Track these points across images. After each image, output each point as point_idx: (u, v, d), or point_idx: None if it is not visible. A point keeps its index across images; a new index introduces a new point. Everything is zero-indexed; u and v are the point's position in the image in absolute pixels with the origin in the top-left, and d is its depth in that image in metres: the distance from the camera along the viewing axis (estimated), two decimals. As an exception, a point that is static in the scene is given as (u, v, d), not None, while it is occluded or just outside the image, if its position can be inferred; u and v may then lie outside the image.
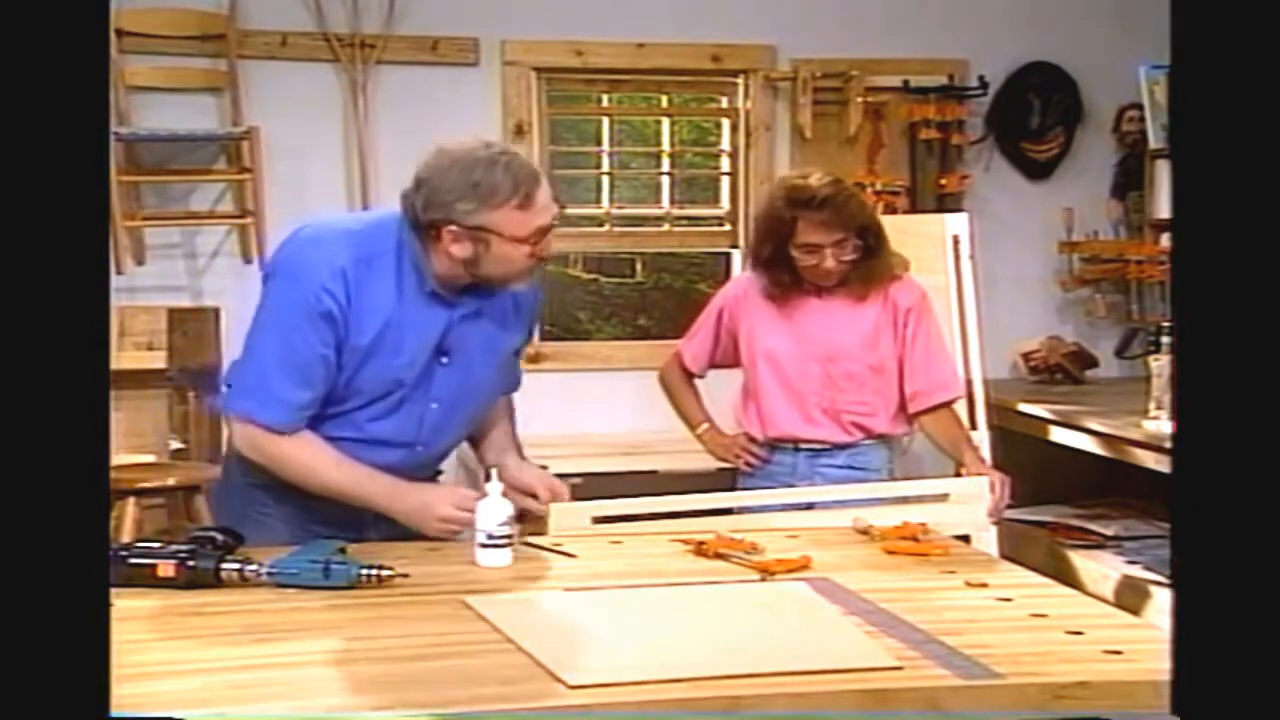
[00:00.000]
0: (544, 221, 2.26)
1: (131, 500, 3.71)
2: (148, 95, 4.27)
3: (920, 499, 2.72)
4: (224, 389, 2.36)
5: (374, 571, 2.03)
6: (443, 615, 1.92)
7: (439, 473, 2.57)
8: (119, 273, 4.21)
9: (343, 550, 2.09)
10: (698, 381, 3.23)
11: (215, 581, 1.99)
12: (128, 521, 3.68)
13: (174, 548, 2.06)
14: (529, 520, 2.43)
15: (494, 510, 2.17)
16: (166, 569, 2.02)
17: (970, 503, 2.70)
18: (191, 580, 2.01)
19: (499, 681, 1.65)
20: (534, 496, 2.43)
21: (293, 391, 2.26)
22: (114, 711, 1.53)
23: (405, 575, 2.05)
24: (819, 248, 2.85)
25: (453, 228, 2.21)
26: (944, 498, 2.75)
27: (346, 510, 2.33)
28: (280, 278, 2.29)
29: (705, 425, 3.19)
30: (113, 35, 4.16)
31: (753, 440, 3.04)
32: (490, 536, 2.16)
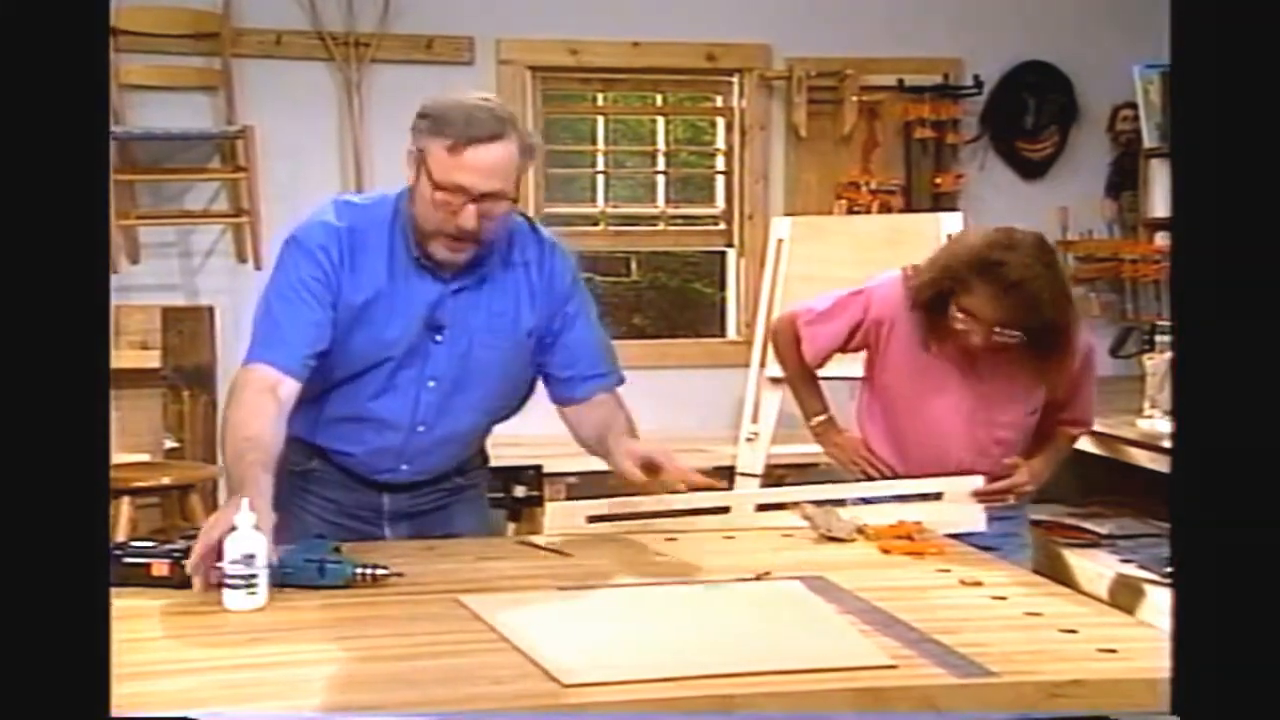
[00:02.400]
0: (465, 180, 2.15)
1: (126, 499, 3.71)
2: (143, 94, 4.27)
3: (914, 498, 2.70)
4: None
5: (369, 571, 2.03)
6: (438, 615, 1.92)
7: (485, 462, 2.52)
8: (114, 271, 4.21)
9: (337, 549, 2.08)
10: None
11: (215, 584, 1.98)
12: (122, 521, 3.68)
13: (168, 547, 2.05)
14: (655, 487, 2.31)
15: (235, 545, 1.91)
16: (161, 568, 2.02)
17: (963, 502, 2.70)
18: (186, 579, 2.00)
19: (494, 681, 1.65)
20: (654, 468, 2.27)
21: (291, 332, 2.22)
22: (114, 712, 1.53)
23: (400, 574, 2.05)
24: (978, 321, 2.54)
25: (410, 146, 2.22)
26: (938, 496, 2.75)
27: (370, 508, 2.36)
28: (286, 246, 2.32)
29: (822, 417, 2.92)
30: (109, 34, 4.15)
31: (883, 461, 2.81)
32: (226, 574, 1.91)
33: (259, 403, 2.17)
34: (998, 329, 2.54)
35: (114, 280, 4.22)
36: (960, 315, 2.56)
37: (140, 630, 1.84)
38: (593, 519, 2.52)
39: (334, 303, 2.25)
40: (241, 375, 2.23)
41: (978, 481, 2.68)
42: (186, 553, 2.02)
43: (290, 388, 2.21)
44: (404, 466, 2.38)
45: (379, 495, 2.40)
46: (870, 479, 2.79)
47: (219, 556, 1.93)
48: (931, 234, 3.98)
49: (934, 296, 2.60)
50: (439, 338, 2.29)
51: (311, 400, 2.32)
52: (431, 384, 2.31)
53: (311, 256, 2.25)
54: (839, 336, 2.81)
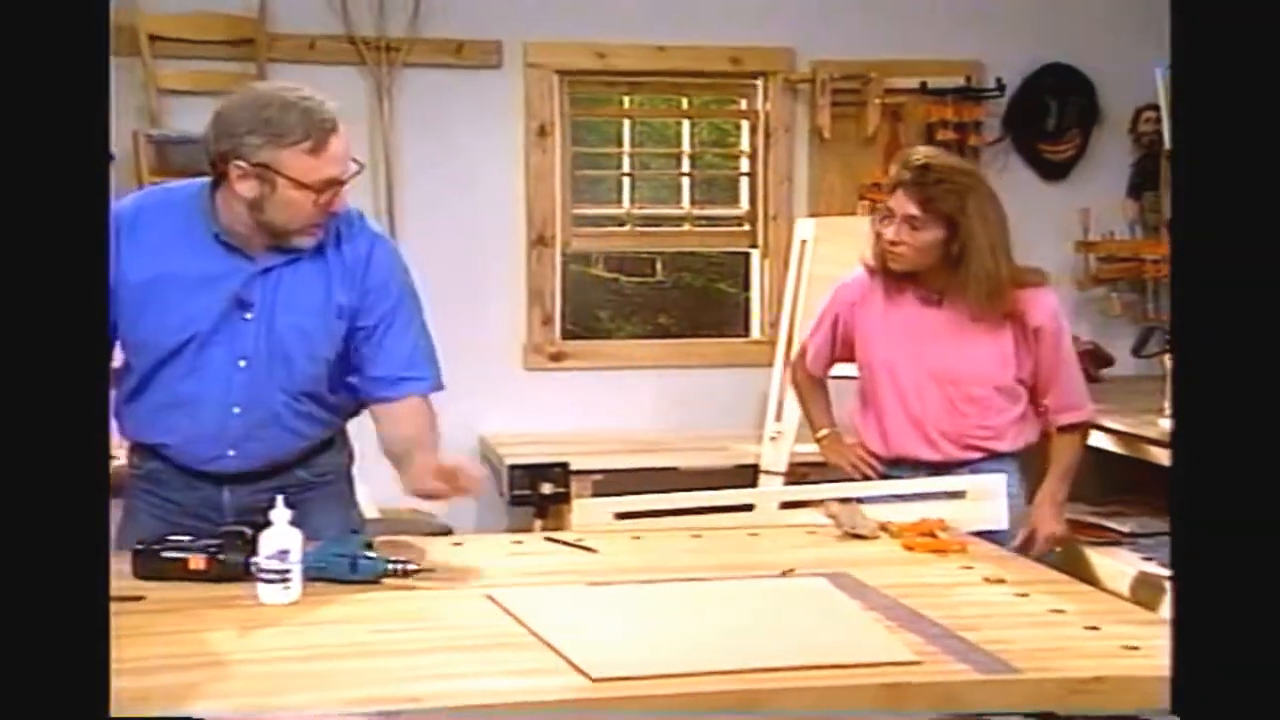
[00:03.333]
0: (334, 172, 2.16)
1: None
2: (179, 98, 4.28)
3: (938, 495, 2.70)
4: None
5: (400, 565, 2.04)
6: (467, 609, 1.93)
7: (343, 461, 2.42)
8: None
9: (369, 545, 2.10)
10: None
11: (244, 574, 2.00)
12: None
13: (204, 542, 2.07)
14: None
15: (270, 540, 1.94)
16: (197, 562, 2.04)
17: (987, 499, 2.69)
18: (221, 573, 2.02)
19: (523, 674, 1.66)
20: (451, 475, 2.19)
21: None
22: (136, 711, 1.55)
23: (430, 570, 2.06)
24: (893, 215, 2.69)
25: (240, 164, 2.14)
26: (961, 495, 2.74)
27: (212, 505, 2.30)
28: None
29: (826, 431, 3.02)
30: (145, 40, 4.18)
31: (872, 454, 2.88)
32: (261, 569, 1.94)
33: None
34: (905, 219, 2.68)
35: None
36: (885, 216, 2.72)
37: (178, 624, 1.86)
38: (620, 515, 2.53)
39: (113, 286, 2.18)
40: None
41: (1002, 480, 2.67)
42: (222, 547, 2.04)
43: None
44: (230, 452, 2.29)
45: (219, 490, 2.32)
46: (867, 479, 2.84)
47: (212, 557, 2.00)
48: (954, 235, 3.96)
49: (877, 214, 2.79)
50: (248, 315, 2.24)
51: (132, 397, 2.31)
52: (242, 363, 2.25)
53: None
54: (826, 334, 2.95)
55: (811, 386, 3.07)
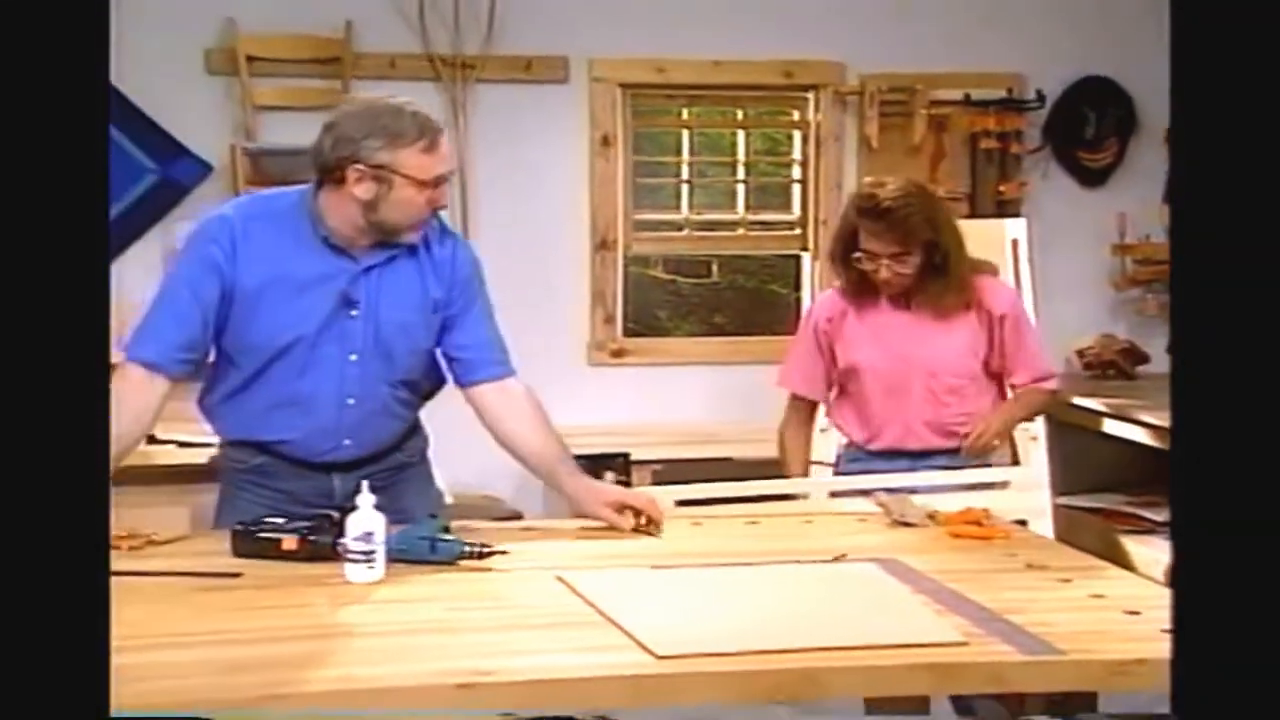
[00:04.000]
0: (444, 170, 2.24)
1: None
2: (272, 113, 4.33)
3: (981, 486, 2.66)
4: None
5: (476, 548, 2.05)
6: (539, 589, 1.93)
7: (423, 439, 2.45)
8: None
9: (446, 529, 2.10)
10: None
11: (332, 555, 2.01)
12: (251, 500, 3.74)
13: (296, 524, 2.09)
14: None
15: (356, 523, 1.95)
16: (290, 543, 2.06)
17: (1029, 490, 2.66)
18: (312, 554, 2.04)
19: (591, 651, 1.66)
20: (629, 509, 2.28)
21: (168, 329, 2.22)
22: (241, 678, 1.56)
23: (505, 552, 2.07)
24: (876, 257, 2.67)
25: (359, 166, 2.17)
26: (1005, 485, 2.71)
27: (323, 493, 2.29)
28: (185, 242, 2.34)
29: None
30: (242, 60, 4.23)
31: (854, 444, 2.84)
32: (348, 550, 1.96)
33: (121, 396, 2.09)
34: (891, 257, 2.66)
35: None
36: (863, 256, 2.69)
37: (273, 600, 1.87)
38: (680, 503, 2.52)
39: (227, 293, 2.22)
40: (118, 372, 2.16)
41: (1043, 472, 2.64)
42: (313, 529, 2.06)
43: (158, 382, 2.21)
44: (346, 442, 2.30)
45: (329, 478, 2.31)
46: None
47: (303, 538, 2.01)
48: (995, 239, 3.92)
49: (841, 251, 2.75)
50: (354, 312, 2.25)
51: (239, 398, 2.30)
52: (353, 358, 2.26)
53: (201, 250, 2.23)
54: (813, 354, 2.85)
55: (794, 441, 2.92)
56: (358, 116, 2.21)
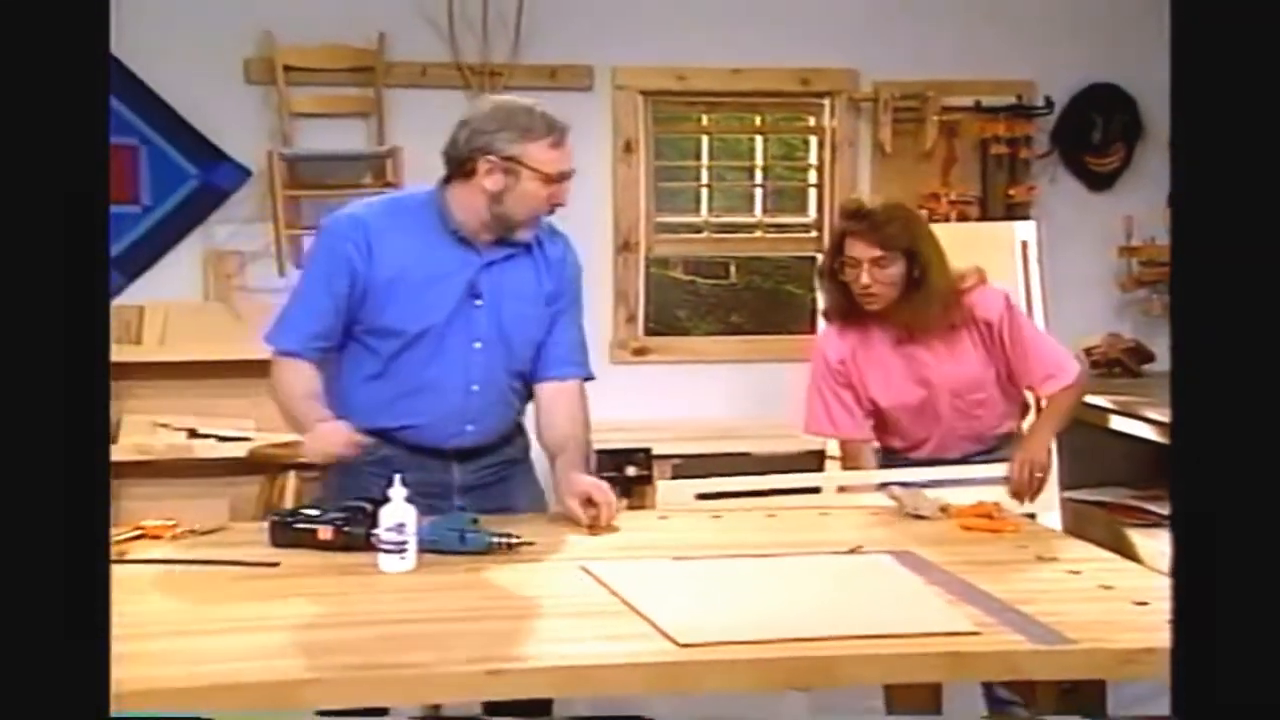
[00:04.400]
0: (567, 166, 2.29)
1: (291, 474, 3.79)
2: (307, 120, 4.34)
3: (986, 481, 2.63)
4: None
5: (505, 539, 2.05)
6: (566, 580, 1.93)
7: (525, 435, 2.47)
8: (281, 275, 4.29)
9: (475, 521, 2.10)
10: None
11: (366, 546, 2.02)
12: (289, 491, 3.76)
13: (331, 515, 2.09)
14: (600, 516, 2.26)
15: (388, 515, 1.96)
16: (326, 533, 2.06)
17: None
18: (347, 544, 2.04)
19: (615, 639, 1.65)
20: (588, 501, 2.24)
21: (303, 321, 2.32)
22: (281, 661, 1.56)
23: (532, 543, 2.06)
24: (858, 263, 2.61)
25: (490, 158, 2.24)
26: (1008, 480, 2.67)
27: (441, 484, 2.32)
28: (315, 238, 2.46)
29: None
30: (280, 69, 4.24)
31: (891, 449, 2.78)
32: (381, 541, 1.96)
33: (298, 376, 2.31)
34: (871, 262, 2.61)
35: (280, 282, 4.29)
36: (848, 267, 2.64)
37: (308, 588, 1.88)
38: (700, 496, 2.51)
39: (358, 285, 2.29)
40: (274, 361, 2.34)
41: (1052, 466, 2.60)
42: (347, 521, 2.06)
43: (310, 367, 2.33)
44: (469, 427, 2.35)
45: (449, 469, 2.35)
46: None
47: (338, 529, 2.05)
48: (1005, 241, 3.89)
49: (830, 264, 2.71)
50: (478, 302, 2.32)
51: (370, 386, 2.33)
52: (477, 345, 2.32)
53: (333, 245, 2.32)
54: (843, 392, 2.75)
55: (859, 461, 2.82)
56: (491, 113, 2.29)
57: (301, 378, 2.32)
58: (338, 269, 2.30)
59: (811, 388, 2.79)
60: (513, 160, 2.24)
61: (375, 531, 1.99)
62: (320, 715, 2.29)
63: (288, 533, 2.08)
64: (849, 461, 2.81)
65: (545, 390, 2.42)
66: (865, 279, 2.62)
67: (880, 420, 2.79)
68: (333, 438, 2.21)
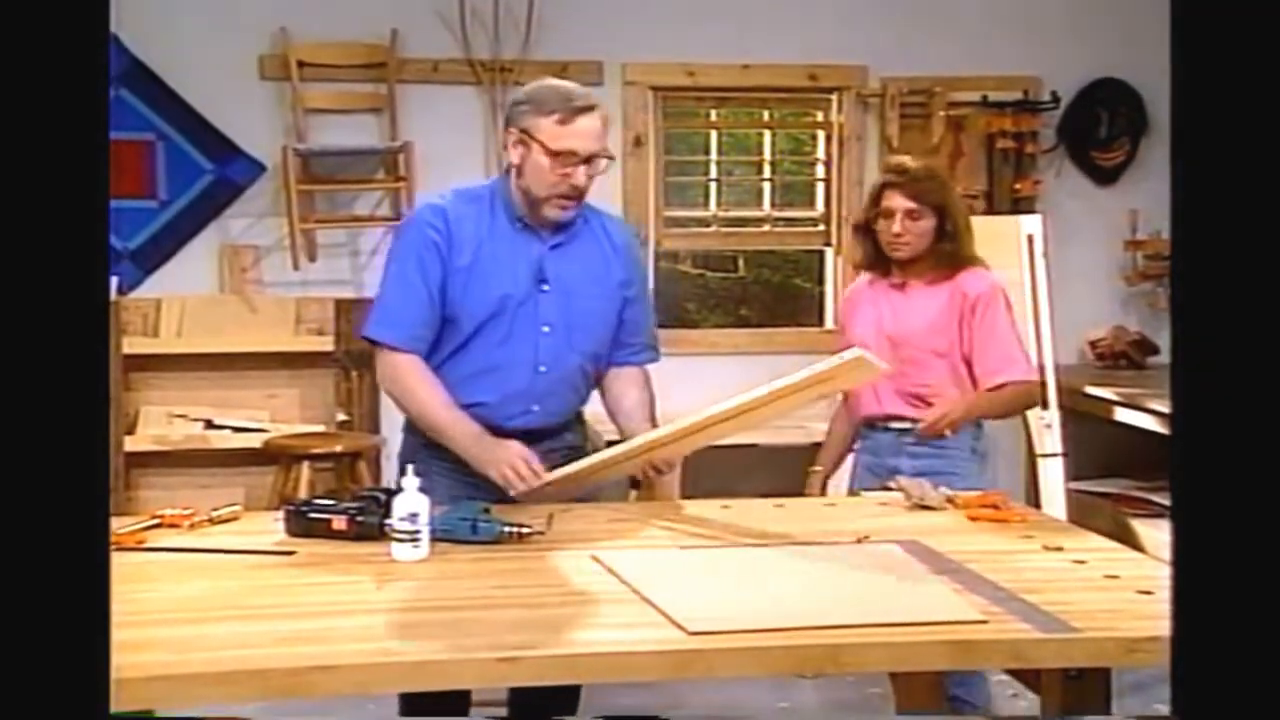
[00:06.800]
0: (574, 145, 2.27)
1: (306, 464, 3.79)
2: (321, 116, 4.35)
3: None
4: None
5: (516, 529, 2.05)
6: (576, 568, 1.92)
7: (584, 424, 2.54)
8: (295, 269, 4.30)
9: (487, 510, 2.10)
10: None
11: (379, 535, 2.02)
12: (303, 481, 3.76)
13: (345, 505, 2.09)
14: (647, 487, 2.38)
15: (401, 504, 1.95)
16: (339, 523, 2.06)
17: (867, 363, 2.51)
18: (360, 533, 2.04)
19: (625, 626, 1.65)
20: (655, 469, 2.37)
21: (407, 311, 2.34)
22: (299, 649, 1.56)
23: (542, 533, 2.06)
24: (893, 213, 2.76)
25: (512, 130, 2.32)
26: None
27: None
28: (400, 230, 2.49)
29: (819, 469, 2.96)
30: (294, 66, 4.25)
31: (838, 420, 2.95)
32: (394, 530, 1.95)
33: (429, 379, 2.35)
34: (906, 214, 2.76)
35: (294, 276, 4.32)
36: (881, 217, 2.80)
37: (323, 576, 1.88)
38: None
39: (444, 271, 2.34)
40: (393, 358, 2.36)
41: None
42: (361, 510, 2.06)
43: (414, 358, 2.35)
44: (535, 408, 2.39)
45: None
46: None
47: (351, 519, 2.04)
48: (1011, 235, 3.88)
49: (866, 216, 2.85)
50: (545, 287, 2.36)
51: (443, 368, 2.37)
52: (545, 329, 2.36)
53: (420, 234, 2.35)
54: (850, 328, 2.91)
55: (841, 433, 2.97)
56: (527, 91, 2.35)
57: (427, 381, 2.34)
58: (429, 255, 2.34)
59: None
60: (525, 133, 2.29)
61: (389, 521, 1.99)
62: (404, 717, 2.33)
63: (302, 522, 2.08)
64: (838, 417, 3.00)
65: (615, 374, 2.48)
66: (898, 228, 2.77)
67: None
68: (520, 469, 2.24)
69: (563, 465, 2.35)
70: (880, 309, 2.84)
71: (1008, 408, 2.89)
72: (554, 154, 2.27)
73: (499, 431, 2.36)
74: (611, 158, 2.38)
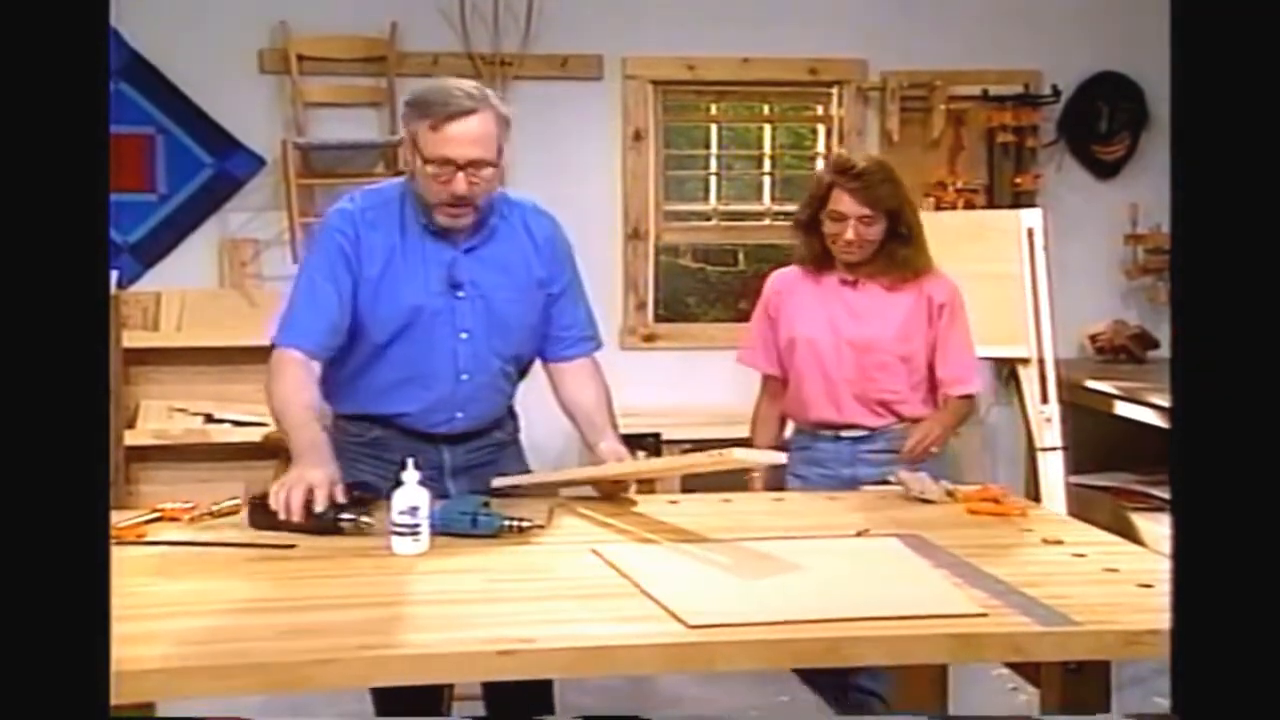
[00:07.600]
0: (450, 152, 2.16)
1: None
2: (321, 110, 4.34)
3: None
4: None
5: (516, 522, 2.04)
6: (576, 562, 1.92)
7: (515, 418, 2.46)
8: (295, 263, 4.29)
9: (487, 504, 2.10)
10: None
11: (335, 529, 2.01)
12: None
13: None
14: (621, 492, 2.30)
15: (401, 499, 1.94)
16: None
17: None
18: (316, 527, 2.01)
19: (625, 620, 1.65)
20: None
21: (309, 318, 2.26)
22: (297, 643, 1.56)
23: (541, 527, 2.06)
24: (844, 218, 2.64)
25: (403, 131, 2.25)
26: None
27: (433, 465, 2.30)
28: (312, 237, 2.44)
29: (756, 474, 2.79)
30: (293, 59, 4.24)
31: (798, 426, 2.82)
32: (392, 524, 1.94)
33: (301, 377, 2.23)
34: (859, 219, 2.65)
35: (294, 270, 4.27)
36: (830, 220, 2.68)
37: (324, 570, 1.88)
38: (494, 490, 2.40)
39: (355, 278, 2.26)
40: (278, 356, 2.26)
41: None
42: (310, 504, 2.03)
43: (314, 366, 2.26)
44: (458, 415, 2.34)
45: (440, 451, 2.35)
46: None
47: (308, 511, 2.00)
48: (1012, 229, 3.87)
49: (809, 215, 2.73)
50: (461, 294, 2.28)
51: (362, 374, 2.32)
52: (464, 335, 2.29)
53: (331, 241, 2.27)
54: (764, 323, 2.84)
55: (765, 425, 2.88)
56: (415, 89, 2.25)
57: (302, 382, 2.23)
58: (338, 261, 2.26)
59: (752, 320, 2.92)
60: (411, 136, 2.21)
61: (342, 517, 2.00)
62: (380, 717, 2.33)
63: (263, 514, 2.06)
64: (759, 396, 2.89)
65: (559, 370, 2.42)
66: (850, 235, 2.67)
67: (790, 371, 2.79)
68: (293, 500, 2.02)
69: (493, 461, 2.35)
70: (832, 309, 2.74)
71: (959, 418, 2.81)
72: (429, 160, 2.17)
73: (426, 437, 2.33)
74: (495, 165, 2.21)
